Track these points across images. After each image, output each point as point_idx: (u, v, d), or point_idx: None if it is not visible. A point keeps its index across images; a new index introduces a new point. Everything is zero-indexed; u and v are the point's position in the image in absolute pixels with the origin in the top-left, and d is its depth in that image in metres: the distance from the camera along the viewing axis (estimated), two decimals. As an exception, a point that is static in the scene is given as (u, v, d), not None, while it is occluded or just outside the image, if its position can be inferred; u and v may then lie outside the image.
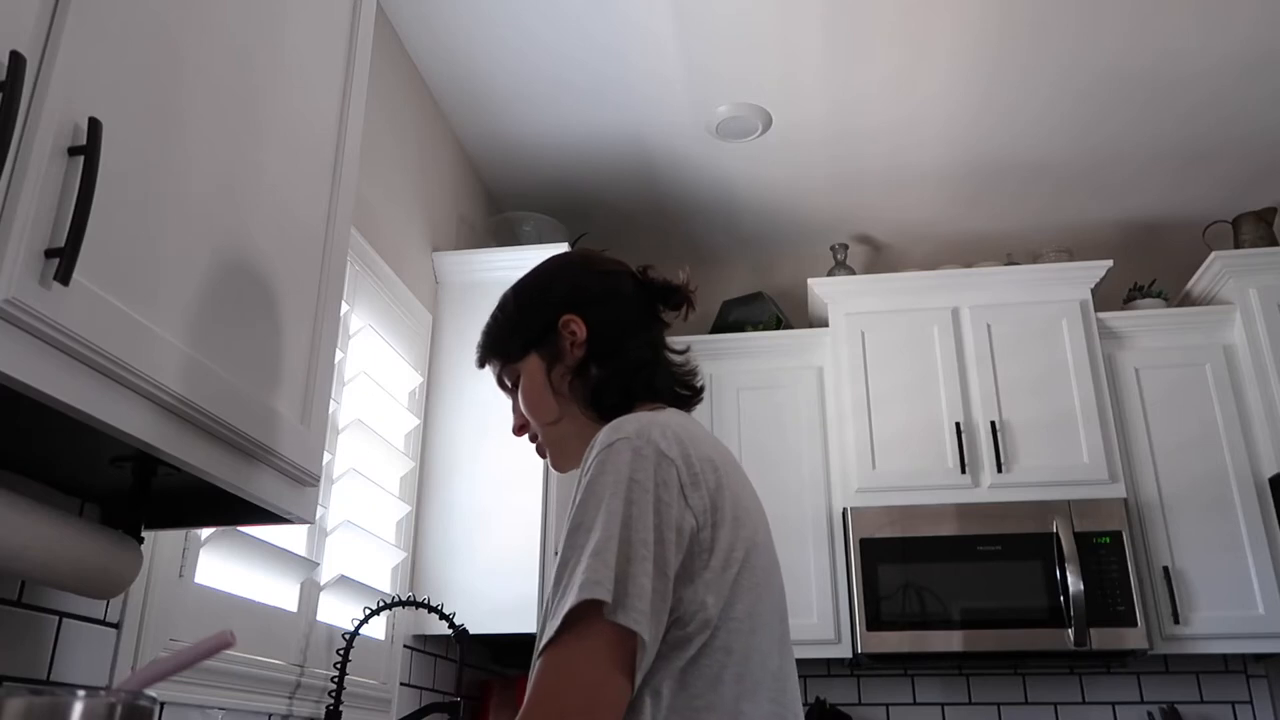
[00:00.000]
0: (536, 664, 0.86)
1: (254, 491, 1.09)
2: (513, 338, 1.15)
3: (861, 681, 3.15)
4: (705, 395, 3.19)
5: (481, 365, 1.20)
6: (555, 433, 1.13)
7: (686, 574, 0.90)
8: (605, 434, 0.95)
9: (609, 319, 1.12)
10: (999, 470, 2.92)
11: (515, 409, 1.16)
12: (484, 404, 2.56)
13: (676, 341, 1.20)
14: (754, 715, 0.92)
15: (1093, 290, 3.12)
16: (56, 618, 1.21)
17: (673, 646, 0.89)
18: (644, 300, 1.16)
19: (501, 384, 1.19)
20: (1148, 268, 3.58)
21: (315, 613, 1.92)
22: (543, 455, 1.17)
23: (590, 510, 0.89)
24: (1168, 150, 3.09)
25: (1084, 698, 3.05)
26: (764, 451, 3.12)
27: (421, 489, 2.51)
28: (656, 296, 1.17)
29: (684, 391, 1.14)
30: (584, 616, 0.84)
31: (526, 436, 1.17)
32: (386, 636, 2.24)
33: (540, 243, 2.96)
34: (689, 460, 0.94)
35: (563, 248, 2.69)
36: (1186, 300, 3.27)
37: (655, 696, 0.88)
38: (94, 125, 0.81)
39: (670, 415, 1.00)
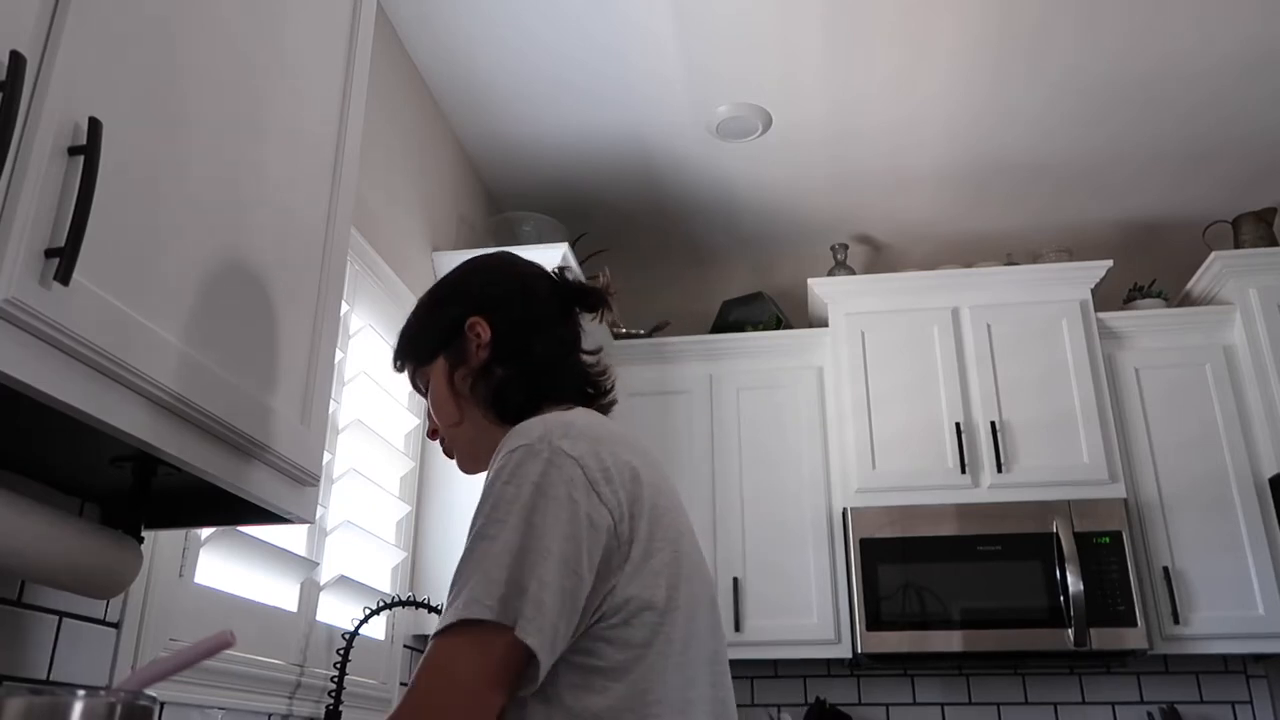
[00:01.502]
0: (429, 646, 0.86)
1: (254, 491, 1.09)
2: (422, 341, 1.16)
3: (861, 681, 3.15)
4: (705, 395, 3.21)
5: (399, 369, 1.20)
6: (458, 435, 1.13)
7: (607, 568, 0.90)
8: (509, 439, 0.95)
9: (515, 320, 1.12)
10: (999, 470, 2.92)
11: (427, 412, 1.17)
12: (484, 404, 2.56)
13: (590, 343, 1.19)
14: (699, 702, 0.93)
15: (1093, 290, 3.12)
16: (56, 618, 1.21)
17: (609, 641, 0.89)
18: (558, 302, 1.15)
19: (415, 386, 1.19)
20: (1148, 268, 3.58)
21: (315, 613, 1.92)
22: (450, 456, 1.17)
23: (490, 518, 0.89)
24: (1168, 150, 3.09)
25: (1084, 698, 3.05)
26: (764, 451, 3.12)
27: (421, 489, 2.51)
28: (572, 298, 1.16)
29: (591, 391, 1.13)
30: (476, 625, 0.84)
31: (438, 440, 1.17)
32: (386, 636, 2.24)
33: (540, 243, 2.96)
34: (598, 457, 0.93)
35: (563, 248, 2.69)
36: (1186, 300, 3.27)
37: (602, 693, 0.88)
38: (94, 125, 0.81)
39: (578, 414, 1.00)
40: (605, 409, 1.14)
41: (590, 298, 1.16)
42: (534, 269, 1.18)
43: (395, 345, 1.20)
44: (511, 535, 0.87)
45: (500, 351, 1.10)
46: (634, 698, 0.88)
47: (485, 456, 1.13)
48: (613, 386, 1.16)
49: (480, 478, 2.48)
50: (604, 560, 0.90)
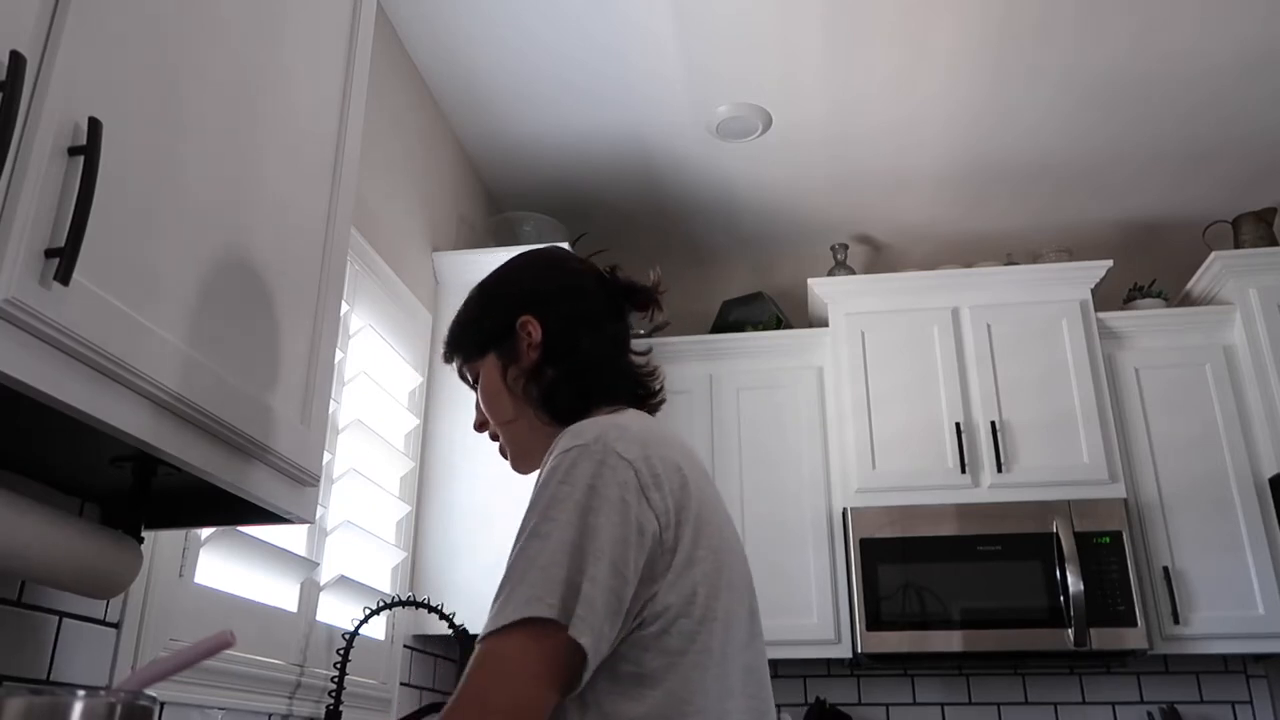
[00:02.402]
0: (476, 649, 0.86)
1: (254, 491, 1.09)
2: (473, 336, 1.16)
3: (861, 681, 3.15)
4: (705, 395, 3.21)
5: (448, 360, 1.20)
6: (512, 433, 1.13)
7: (650, 574, 0.90)
8: (564, 440, 0.95)
9: (566, 320, 1.11)
10: (999, 470, 2.92)
11: (477, 405, 1.17)
12: (484, 404, 2.56)
13: (640, 343, 1.18)
14: (736, 713, 0.93)
15: (1093, 290, 3.12)
16: (56, 618, 1.21)
17: (647, 648, 0.89)
18: (608, 301, 1.15)
19: (464, 379, 1.19)
20: (1148, 268, 3.58)
21: (315, 613, 1.92)
22: (504, 455, 1.16)
23: (544, 516, 0.89)
24: (1168, 150, 3.09)
25: (1084, 698, 3.05)
26: (764, 451, 3.11)
27: (421, 489, 2.51)
28: (621, 296, 1.16)
29: (641, 392, 1.13)
30: (528, 624, 0.84)
31: (487, 434, 1.17)
32: (386, 636, 2.24)
33: (540, 243, 2.96)
34: (649, 461, 0.93)
35: (563, 248, 2.69)
36: (1186, 300, 3.27)
37: (639, 700, 0.88)
38: (94, 125, 0.81)
39: (630, 417, 1.00)
40: (654, 409, 1.14)
41: (640, 296, 1.16)
42: (585, 266, 1.18)
43: (445, 337, 1.20)
44: (566, 533, 0.87)
45: (551, 351, 1.10)
46: (671, 706, 0.88)
47: (538, 456, 1.13)
48: (661, 387, 1.16)
49: (480, 478, 2.49)
50: (648, 565, 0.90)
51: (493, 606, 0.87)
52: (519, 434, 1.13)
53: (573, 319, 1.11)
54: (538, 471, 0.99)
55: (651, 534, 0.91)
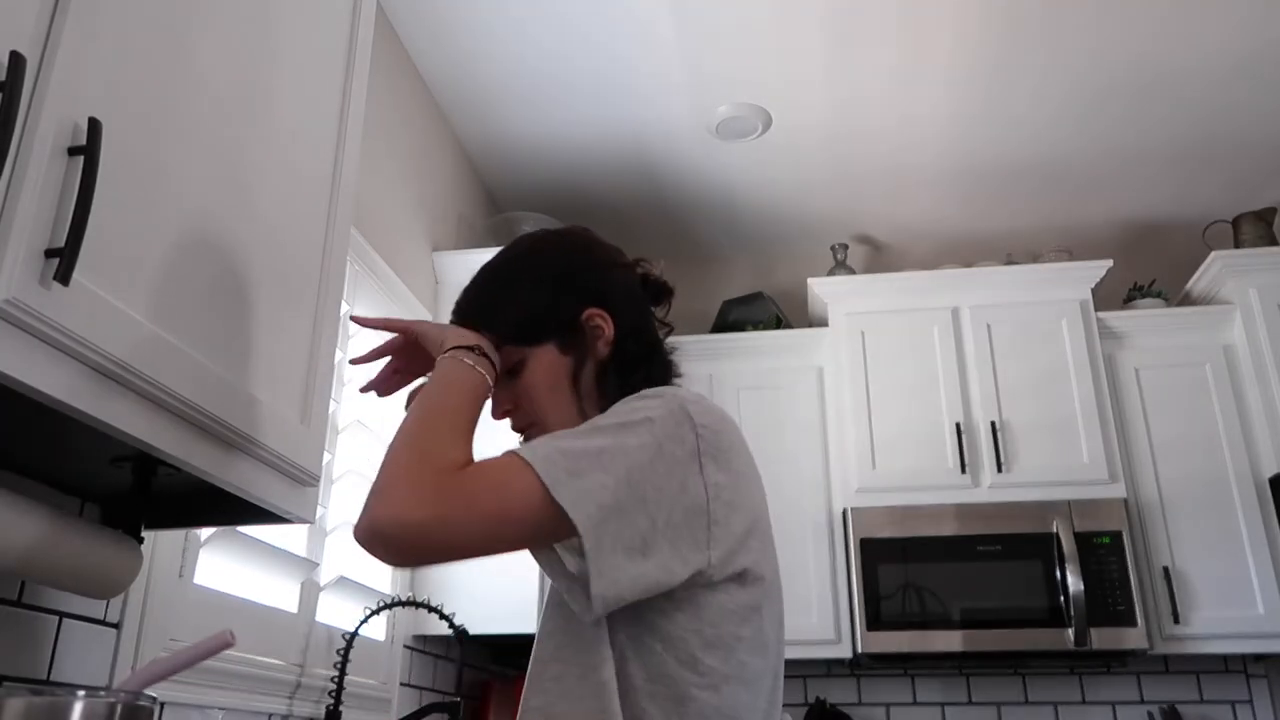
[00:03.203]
0: (506, 453, 0.89)
1: (254, 491, 1.09)
2: (526, 318, 1.05)
3: (861, 681, 3.15)
4: (706, 395, 3.20)
5: (459, 324, 1.08)
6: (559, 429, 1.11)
7: (690, 536, 0.90)
8: (646, 394, 0.96)
9: (632, 317, 1.09)
10: (999, 470, 2.92)
11: (502, 392, 1.07)
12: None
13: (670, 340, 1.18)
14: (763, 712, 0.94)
15: (1093, 290, 3.12)
16: (56, 618, 1.21)
17: (720, 610, 0.91)
18: (643, 296, 1.14)
19: (484, 357, 1.05)
20: (1148, 268, 3.58)
21: (315, 613, 1.92)
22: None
23: (593, 424, 0.91)
24: (1168, 150, 3.09)
25: (1084, 698, 3.05)
26: (764, 451, 3.11)
27: (421, 489, 2.51)
28: (654, 293, 1.16)
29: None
30: (530, 468, 0.87)
31: (509, 423, 1.09)
32: (386, 637, 2.24)
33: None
34: (718, 436, 0.94)
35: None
36: (1186, 300, 3.27)
37: (705, 687, 0.89)
38: (94, 125, 0.81)
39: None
40: None
41: (665, 295, 1.16)
42: (623, 258, 1.15)
43: (464, 302, 1.09)
44: (602, 439, 0.89)
45: (621, 349, 1.07)
46: (727, 702, 0.90)
47: None
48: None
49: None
50: (689, 528, 0.89)
51: (539, 441, 0.90)
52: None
53: (635, 316, 1.10)
54: None
55: (695, 500, 0.90)
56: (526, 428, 1.08)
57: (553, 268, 1.09)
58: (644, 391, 0.96)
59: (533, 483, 0.86)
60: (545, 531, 0.87)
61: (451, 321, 1.10)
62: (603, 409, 1.00)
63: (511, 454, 0.89)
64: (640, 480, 0.88)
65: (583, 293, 1.07)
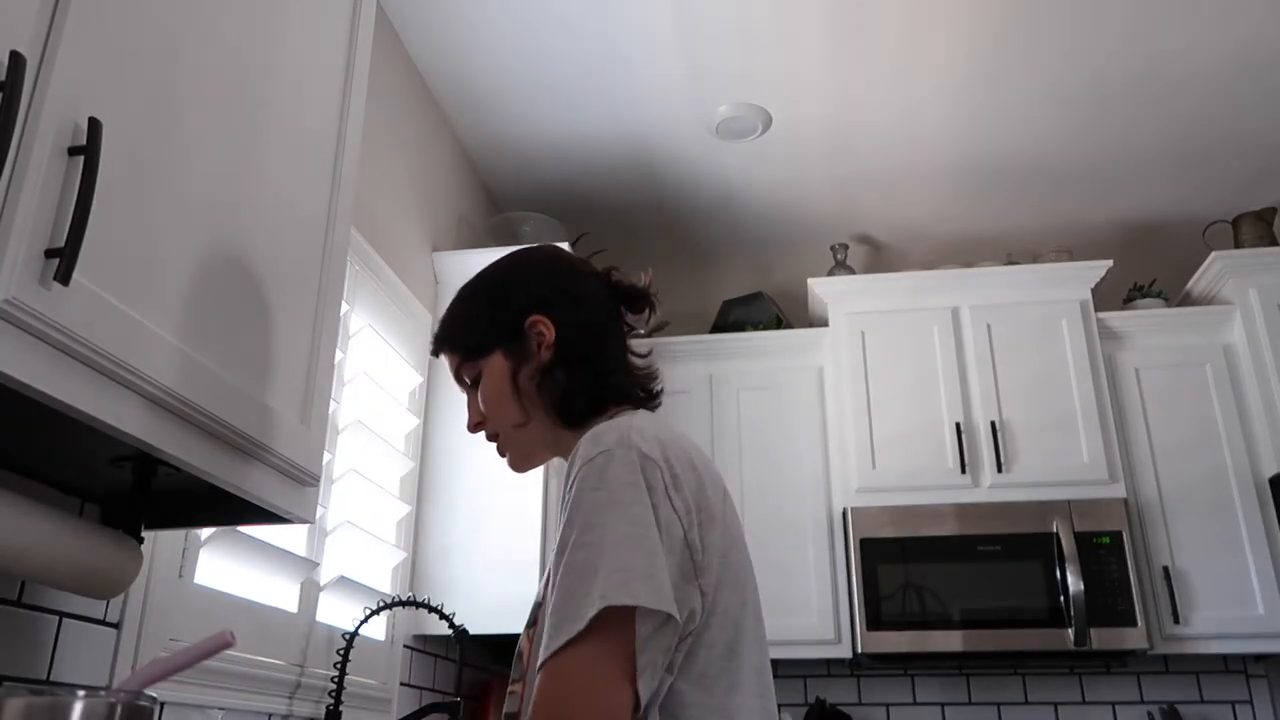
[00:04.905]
0: (541, 671, 0.84)
1: (254, 491, 1.09)
2: (476, 333, 1.12)
3: (861, 681, 3.15)
4: (705, 395, 3.21)
5: (436, 354, 1.17)
6: (521, 436, 1.12)
7: (682, 576, 0.90)
8: (586, 446, 0.94)
9: (578, 322, 1.10)
10: (999, 470, 2.92)
11: (471, 405, 1.14)
12: (484, 404, 2.56)
13: (640, 344, 1.18)
14: (744, 711, 0.93)
15: (1093, 290, 3.12)
16: (56, 618, 1.21)
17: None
18: (610, 303, 1.14)
19: (459, 379, 1.15)
20: (1148, 268, 3.58)
21: (315, 613, 1.92)
22: (502, 454, 1.15)
23: (587, 524, 0.88)
24: (1168, 150, 3.09)
25: (1084, 698, 3.05)
26: (764, 451, 3.11)
27: (421, 489, 2.51)
28: (621, 300, 1.15)
29: (643, 394, 1.13)
30: (602, 625, 0.83)
31: (483, 434, 1.14)
32: (386, 637, 2.24)
33: (540, 243, 2.96)
34: (669, 462, 0.94)
35: (560, 247, 2.69)
36: (1186, 300, 3.27)
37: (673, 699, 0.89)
38: (94, 125, 0.81)
39: (644, 418, 1.00)
40: (653, 410, 1.14)
41: (639, 300, 1.16)
42: (587, 267, 1.17)
43: (437, 331, 1.17)
44: (617, 530, 0.87)
45: (563, 352, 1.08)
46: (674, 701, 0.89)
47: (541, 457, 1.13)
48: (661, 389, 1.16)
49: (480, 478, 2.49)
50: (677, 567, 0.90)
51: (547, 632, 0.85)
52: (525, 436, 1.12)
53: (584, 320, 1.11)
54: (537, 470, 1.00)
55: (679, 536, 0.91)
56: (494, 436, 1.14)
57: (496, 281, 1.16)
58: (588, 453, 0.93)
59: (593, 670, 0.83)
60: (629, 646, 0.85)
61: (432, 351, 1.19)
62: (544, 410, 1.08)
63: (548, 675, 0.84)
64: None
65: (526, 299, 1.11)
